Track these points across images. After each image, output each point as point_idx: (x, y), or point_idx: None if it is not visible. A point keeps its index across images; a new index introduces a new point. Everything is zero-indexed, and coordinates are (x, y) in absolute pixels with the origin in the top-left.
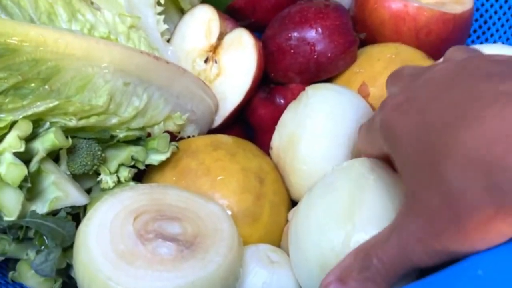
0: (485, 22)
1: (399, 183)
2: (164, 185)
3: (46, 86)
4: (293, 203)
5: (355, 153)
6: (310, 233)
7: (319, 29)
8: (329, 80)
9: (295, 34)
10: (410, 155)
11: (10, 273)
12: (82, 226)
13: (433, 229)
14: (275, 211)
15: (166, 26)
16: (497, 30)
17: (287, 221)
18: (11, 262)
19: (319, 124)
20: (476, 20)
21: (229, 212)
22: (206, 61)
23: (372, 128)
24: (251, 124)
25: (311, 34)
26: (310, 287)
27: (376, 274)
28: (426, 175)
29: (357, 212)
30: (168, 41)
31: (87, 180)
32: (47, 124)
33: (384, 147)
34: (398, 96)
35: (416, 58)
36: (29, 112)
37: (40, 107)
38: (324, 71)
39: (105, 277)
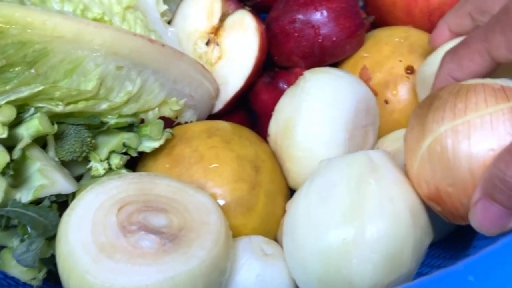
0: None
1: (401, 177)
2: (155, 175)
3: (32, 70)
4: (291, 191)
5: (441, 81)
6: (310, 229)
7: (324, 12)
8: (335, 64)
9: (299, 16)
10: None
11: None
12: (64, 216)
13: None
14: (271, 201)
15: (166, 7)
16: None
17: (284, 210)
18: None
19: (316, 109)
20: None
21: (222, 202)
22: (207, 43)
23: (474, 39)
24: (254, 109)
25: (316, 16)
26: (305, 281)
27: None
28: None
29: (361, 208)
30: (169, 22)
31: (78, 166)
32: (32, 109)
33: None
34: None
35: (426, 42)
36: (13, 97)
37: (24, 92)
38: (329, 55)
39: (83, 270)
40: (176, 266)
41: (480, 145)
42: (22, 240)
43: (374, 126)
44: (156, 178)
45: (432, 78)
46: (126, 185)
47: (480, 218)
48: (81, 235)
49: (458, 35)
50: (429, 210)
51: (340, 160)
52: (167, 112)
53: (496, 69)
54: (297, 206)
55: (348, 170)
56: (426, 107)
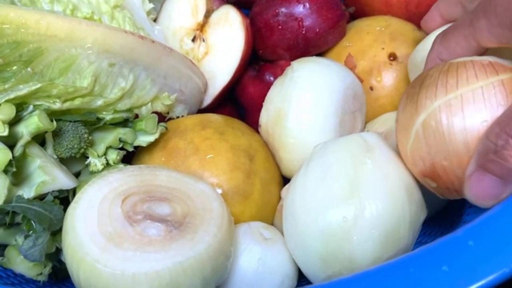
0: None
1: (394, 156)
2: (154, 166)
3: (29, 69)
4: (284, 180)
5: (431, 63)
6: (310, 211)
7: (307, 4)
8: (319, 55)
9: (283, 9)
10: None
11: None
12: (70, 209)
13: None
14: (266, 189)
15: (151, 5)
16: None
17: (279, 198)
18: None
19: (305, 97)
20: None
21: (220, 191)
22: (193, 39)
23: (461, 24)
24: (241, 103)
25: (299, 9)
26: (306, 262)
27: None
28: None
29: (359, 187)
30: (154, 20)
31: (76, 163)
32: (31, 107)
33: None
34: None
35: (406, 30)
36: (12, 96)
37: (22, 90)
38: (313, 47)
39: (93, 260)
40: (184, 251)
41: (473, 117)
42: (27, 236)
43: (362, 112)
44: (156, 170)
45: (423, 64)
46: (127, 177)
47: (475, 190)
48: (88, 226)
49: (448, 21)
50: (421, 187)
51: (335, 143)
52: (159, 107)
53: (483, 53)
54: (295, 189)
55: (344, 152)
56: (417, 86)
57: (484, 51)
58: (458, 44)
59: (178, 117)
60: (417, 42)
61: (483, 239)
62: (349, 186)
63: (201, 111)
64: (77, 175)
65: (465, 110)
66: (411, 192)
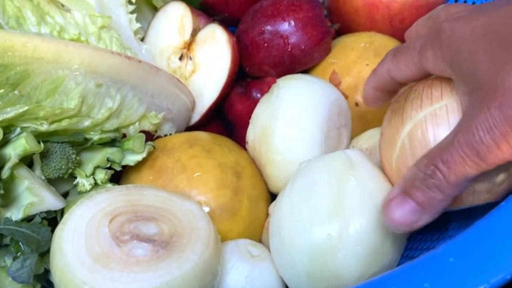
0: None
1: (377, 173)
2: (141, 186)
3: (16, 91)
4: (272, 196)
5: (380, 77)
6: (296, 228)
7: (292, 22)
8: (304, 72)
9: (268, 27)
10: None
11: None
12: (57, 230)
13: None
14: (254, 205)
15: (139, 25)
16: None
17: (267, 214)
18: None
19: (291, 114)
20: None
21: (207, 209)
22: (180, 58)
23: (412, 48)
24: (229, 119)
25: (284, 27)
26: (293, 279)
27: (442, 180)
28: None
29: (343, 204)
30: (142, 39)
31: (64, 184)
32: (18, 129)
33: (438, 60)
34: (460, 10)
35: (390, 45)
36: None
37: (10, 113)
38: (299, 63)
39: (80, 282)
40: (171, 271)
41: None
42: (15, 258)
43: (347, 128)
44: (143, 189)
45: None
46: (114, 197)
47: (393, 214)
48: (75, 248)
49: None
50: None
51: (319, 160)
52: (147, 126)
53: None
54: (281, 207)
55: (328, 169)
56: (402, 100)
57: (429, 75)
58: (407, 67)
59: (166, 135)
60: None
61: (463, 255)
62: (334, 203)
63: (189, 128)
64: (65, 195)
65: (450, 119)
66: None
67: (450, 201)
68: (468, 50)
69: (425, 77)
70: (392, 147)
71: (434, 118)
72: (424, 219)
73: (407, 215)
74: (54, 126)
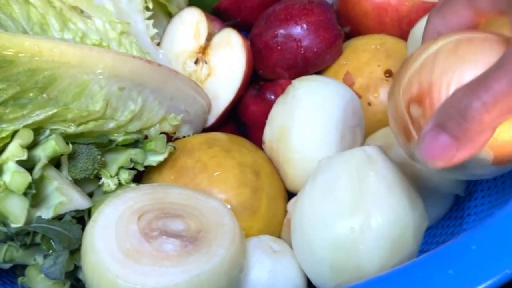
0: None
1: (395, 168)
2: (166, 184)
3: (44, 95)
4: (289, 194)
5: (428, 36)
6: (318, 223)
7: (304, 25)
8: (317, 73)
9: (281, 31)
10: None
11: (20, 279)
12: (88, 228)
13: None
14: (273, 203)
15: (155, 30)
16: None
17: (285, 212)
18: (17, 269)
19: (307, 114)
20: None
21: (228, 206)
22: (196, 62)
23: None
24: (243, 121)
25: (297, 30)
26: (316, 272)
27: (480, 110)
28: None
29: (364, 198)
30: (158, 44)
31: (89, 184)
32: (47, 131)
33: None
34: None
35: (400, 47)
36: (30, 121)
37: (39, 115)
38: (312, 66)
39: (114, 276)
40: (200, 265)
41: None
42: (47, 255)
43: (361, 127)
44: (168, 188)
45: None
46: (141, 195)
47: (428, 148)
48: (107, 244)
49: None
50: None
51: (339, 157)
52: (167, 127)
53: (479, 24)
54: (303, 203)
55: (348, 165)
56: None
57: (480, 22)
58: (455, 13)
59: (184, 137)
60: None
61: (485, 243)
62: (355, 198)
63: (205, 130)
64: (90, 195)
65: (489, 51)
66: (414, 202)
67: (490, 135)
68: None
69: (476, 24)
70: (413, 62)
71: (470, 43)
72: (461, 155)
73: (441, 150)
74: (81, 128)
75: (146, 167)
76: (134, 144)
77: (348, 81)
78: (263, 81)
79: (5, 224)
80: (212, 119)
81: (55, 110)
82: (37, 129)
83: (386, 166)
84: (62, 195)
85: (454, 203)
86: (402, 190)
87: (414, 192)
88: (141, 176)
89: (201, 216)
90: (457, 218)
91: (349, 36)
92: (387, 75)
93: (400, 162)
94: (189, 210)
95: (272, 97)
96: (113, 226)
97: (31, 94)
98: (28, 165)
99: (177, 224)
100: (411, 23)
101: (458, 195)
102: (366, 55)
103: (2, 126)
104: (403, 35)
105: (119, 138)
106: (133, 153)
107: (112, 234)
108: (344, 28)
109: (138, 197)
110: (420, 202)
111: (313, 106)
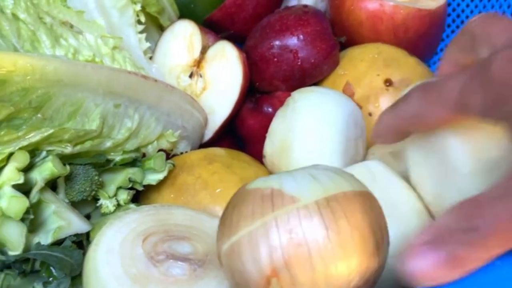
0: (458, 16)
1: (399, 182)
2: (168, 205)
3: (39, 115)
4: None
5: (403, 122)
6: None
7: (301, 36)
8: (314, 85)
9: (277, 42)
10: None
11: None
12: (90, 252)
13: None
14: None
15: (148, 44)
16: None
17: None
18: None
19: (309, 126)
20: (449, 14)
21: None
22: (190, 76)
23: (449, 87)
24: (241, 135)
25: (293, 41)
26: None
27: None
28: None
29: None
30: (150, 58)
31: (85, 206)
32: (44, 153)
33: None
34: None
35: (398, 55)
36: (25, 143)
37: (35, 136)
38: (309, 77)
39: None
40: None
41: None
42: (46, 283)
43: (363, 138)
44: (171, 208)
45: None
46: (144, 217)
47: (416, 262)
48: (111, 269)
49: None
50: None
51: None
52: (165, 144)
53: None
54: None
55: None
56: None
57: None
58: (444, 108)
59: (181, 153)
60: (410, 67)
61: None
62: None
63: (201, 145)
64: (87, 217)
65: None
66: (421, 216)
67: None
68: None
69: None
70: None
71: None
72: (453, 276)
73: (434, 267)
74: (77, 148)
75: (145, 186)
76: (132, 163)
77: (348, 92)
78: (259, 93)
79: (3, 252)
80: (209, 134)
81: (51, 131)
82: (33, 151)
83: (390, 181)
84: (61, 219)
85: None
86: (408, 204)
87: (421, 205)
88: (138, 195)
89: (208, 238)
90: None
91: (344, 46)
92: (387, 84)
93: (403, 172)
94: (194, 231)
95: (270, 109)
96: (117, 250)
97: (26, 114)
98: (24, 188)
99: (184, 247)
100: (407, 32)
101: None
102: (363, 65)
103: None
104: (399, 43)
105: (117, 157)
106: (131, 172)
107: (116, 258)
108: (340, 38)
109: (141, 218)
110: (427, 216)
111: (314, 119)
